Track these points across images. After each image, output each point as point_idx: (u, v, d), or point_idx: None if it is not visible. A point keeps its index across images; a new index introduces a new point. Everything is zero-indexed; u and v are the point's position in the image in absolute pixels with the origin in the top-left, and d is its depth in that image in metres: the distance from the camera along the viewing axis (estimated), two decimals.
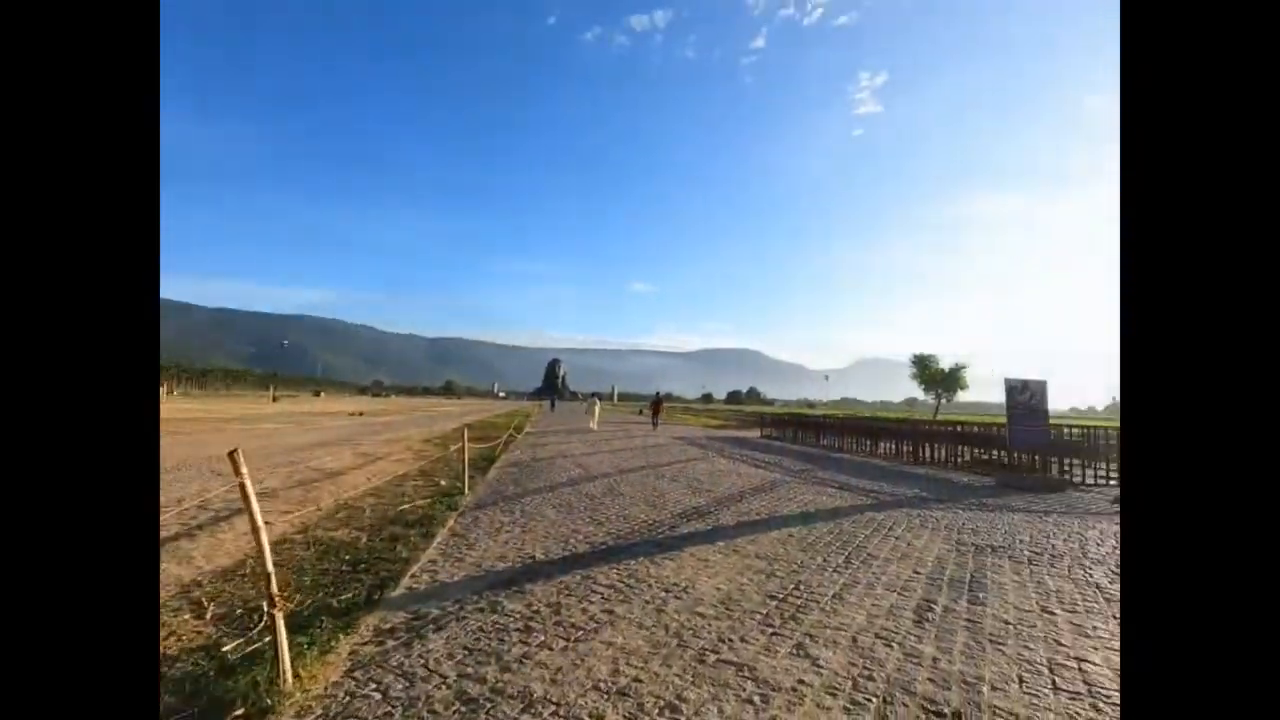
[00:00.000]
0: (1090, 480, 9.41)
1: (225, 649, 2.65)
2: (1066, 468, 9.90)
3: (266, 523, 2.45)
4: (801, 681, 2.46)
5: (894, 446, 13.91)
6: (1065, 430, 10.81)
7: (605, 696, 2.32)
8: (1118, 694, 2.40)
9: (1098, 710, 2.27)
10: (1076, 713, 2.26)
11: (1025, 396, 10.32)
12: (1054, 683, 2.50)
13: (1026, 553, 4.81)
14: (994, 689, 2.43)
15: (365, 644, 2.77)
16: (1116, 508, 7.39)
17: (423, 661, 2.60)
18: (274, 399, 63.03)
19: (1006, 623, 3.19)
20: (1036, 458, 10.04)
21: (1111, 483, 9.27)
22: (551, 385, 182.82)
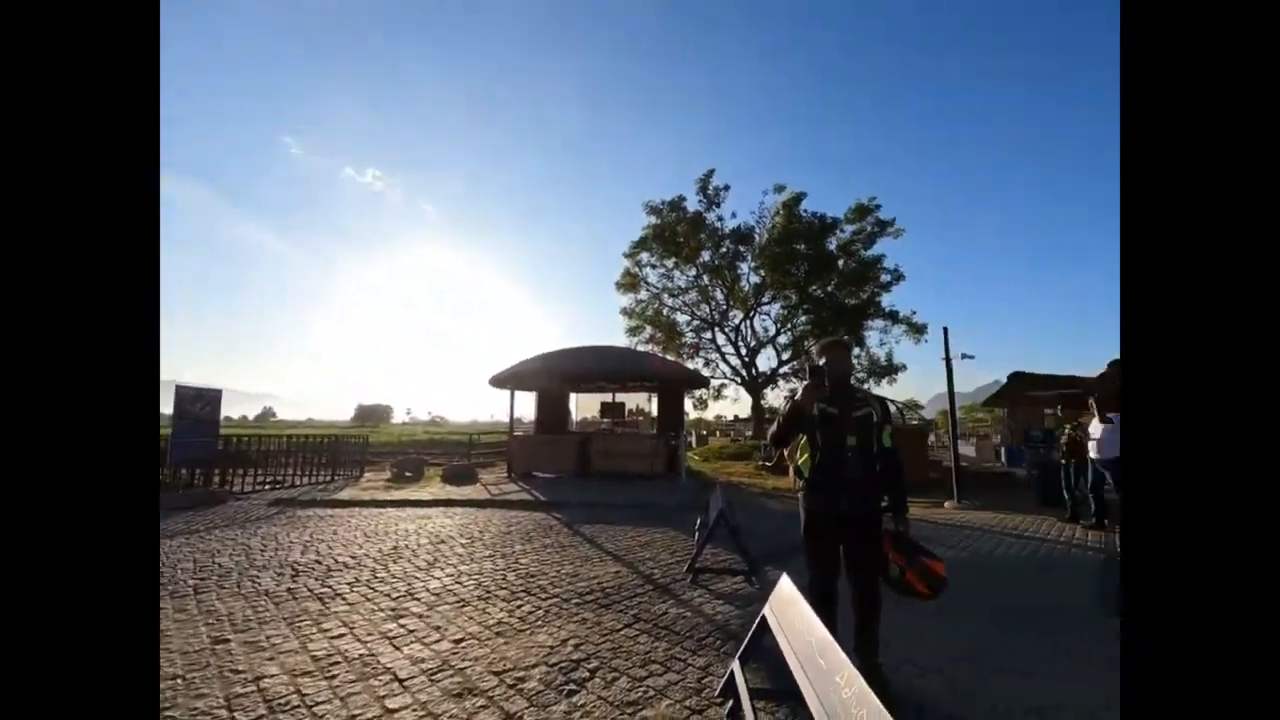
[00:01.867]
0: (250, 488, 9.66)
1: None
2: (229, 479, 9.74)
3: None
4: None
5: None
6: (233, 440, 10.71)
7: None
8: (304, 708, 2.43)
9: None
10: None
11: (198, 406, 9.49)
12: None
13: (191, 581, 4.22)
14: None
15: None
16: (273, 510, 7.90)
17: None
18: None
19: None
20: (199, 471, 9.33)
21: (265, 487, 9.88)
22: None
